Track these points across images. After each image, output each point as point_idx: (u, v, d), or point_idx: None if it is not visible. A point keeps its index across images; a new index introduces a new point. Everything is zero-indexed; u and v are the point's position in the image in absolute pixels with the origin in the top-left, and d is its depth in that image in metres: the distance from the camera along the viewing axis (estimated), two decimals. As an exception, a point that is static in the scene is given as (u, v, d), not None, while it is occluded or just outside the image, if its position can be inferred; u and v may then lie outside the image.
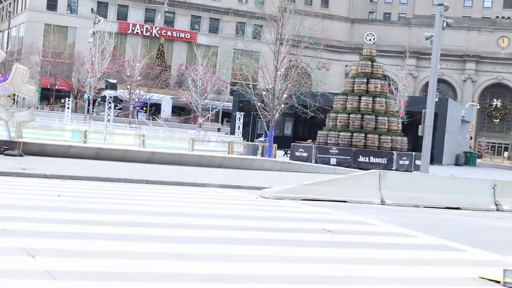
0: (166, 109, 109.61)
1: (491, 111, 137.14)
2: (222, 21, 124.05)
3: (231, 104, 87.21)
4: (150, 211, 15.11)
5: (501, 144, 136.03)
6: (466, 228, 17.96)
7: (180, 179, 24.88)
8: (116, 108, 73.21)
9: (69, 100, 75.64)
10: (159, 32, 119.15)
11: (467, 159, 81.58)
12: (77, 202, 15.60)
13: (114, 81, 52.90)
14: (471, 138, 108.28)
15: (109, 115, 52.02)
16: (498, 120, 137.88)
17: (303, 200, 21.35)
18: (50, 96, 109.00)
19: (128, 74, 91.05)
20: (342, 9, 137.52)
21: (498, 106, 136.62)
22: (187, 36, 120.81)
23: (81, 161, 30.19)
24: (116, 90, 52.44)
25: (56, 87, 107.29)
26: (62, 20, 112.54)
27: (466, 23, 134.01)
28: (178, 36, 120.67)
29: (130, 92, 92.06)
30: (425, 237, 14.70)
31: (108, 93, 51.00)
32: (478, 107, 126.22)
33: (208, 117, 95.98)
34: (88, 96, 72.08)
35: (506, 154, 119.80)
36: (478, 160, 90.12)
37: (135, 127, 64.24)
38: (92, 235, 11.05)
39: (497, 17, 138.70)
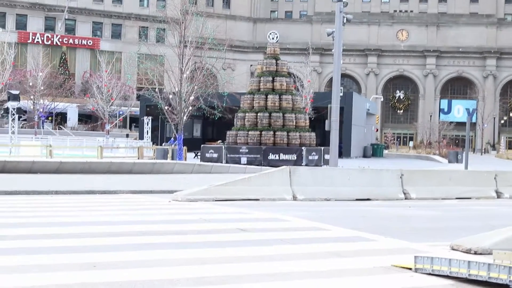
0: (72, 118, 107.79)
1: (395, 102, 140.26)
2: (124, 26, 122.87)
3: (139, 109, 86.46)
4: (59, 222, 14.81)
5: (406, 134, 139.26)
6: (376, 218, 18.27)
7: (90, 188, 24.51)
8: (21, 119, 71.56)
9: (-30, 114, 73.57)
10: (60, 40, 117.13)
11: (374, 151, 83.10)
12: (-16, 218, 15.16)
13: (17, 92, 51.61)
14: (377, 130, 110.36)
15: (13, 127, 50.76)
16: (402, 111, 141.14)
17: (216, 201, 21.32)
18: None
19: (31, 84, 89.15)
20: (244, 9, 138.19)
21: (401, 97, 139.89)
22: (90, 43, 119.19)
23: (-13, 175, 29.36)
24: (19, 101, 51.17)
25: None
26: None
27: (366, 18, 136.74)
28: (80, 43, 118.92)
29: (34, 102, 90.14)
30: (337, 229, 14.88)
31: (11, 104, 49.74)
32: (382, 99, 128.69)
33: (116, 123, 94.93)
34: (-10, 109, 70.23)
35: (411, 143, 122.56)
36: (385, 151, 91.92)
37: (41, 138, 62.90)
38: (2, 251, 10.74)
39: (395, 11, 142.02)
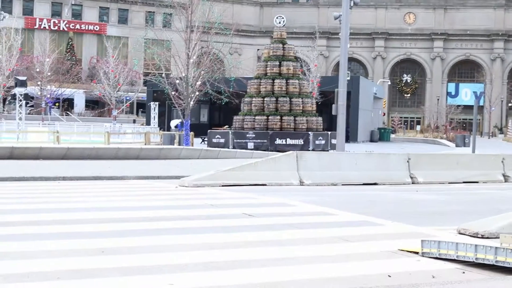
0: (79, 104, 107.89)
1: (402, 86, 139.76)
2: (131, 11, 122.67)
3: (145, 94, 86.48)
4: (67, 208, 14.88)
5: (413, 118, 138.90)
6: (384, 202, 18.29)
7: (97, 174, 24.58)
8: (28, 105, 71.63)
9: (-22, 101, 73.73)
10: (67, 25, 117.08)
11: (381, 135, 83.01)
12: (-8, 204, 15.24)
13: (24, 78, 51.67)
14: (384, 114, 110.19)
15: (20, 113, 50.88)
16: (409, 95, 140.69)
17: (223, 186, 21.36)
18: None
19: (38, 70, 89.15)
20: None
21: (408, 81, 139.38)
22: (96, 28, 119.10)
23: (-6, 161, 29.46)
24: (26, 87, 51.27)
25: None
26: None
27: (373, 1, 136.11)
28: (87, 28, 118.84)
29: (41, 88, 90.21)
30: (345, 214, 14.91)
31: (18, 90, 49.82)
32: (389, 83, 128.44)
33: (123, 109, 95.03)
34: (-2, 95, 70.36)
35: (418, 127, 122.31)
36: (392, 135, 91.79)
37: (48, 124, 62.99)
38: (11, 236, 10.81)
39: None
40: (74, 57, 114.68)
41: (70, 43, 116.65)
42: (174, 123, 59.79)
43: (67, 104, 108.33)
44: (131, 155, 35.04)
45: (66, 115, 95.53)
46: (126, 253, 9.65)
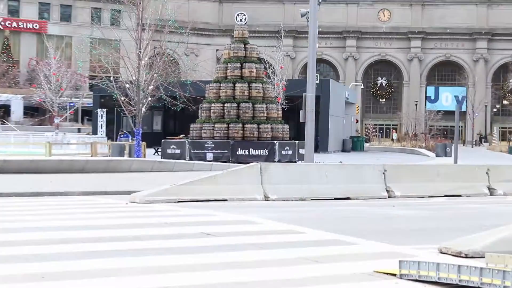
0: (17, 111, 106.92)
1: (376, 90, 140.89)
2: (74, 7, 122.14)
3: (91, 100, 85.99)
4: (3, 228, 14.68)
5: (389, 125, 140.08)
6: (357, 218, 18.33)
7: (37, 189, 24.35)
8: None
9: None
10: (2, 23, 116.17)
11: (354, 144, 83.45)
12: None
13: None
14: (357, 121, 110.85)
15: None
16: (384, 100, 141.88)
17: (179, 202, 21.28)
18: None
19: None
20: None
21: (383, 84, 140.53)
22: (36, 26, 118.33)
23: None
24: (-44, 92, 50.76)
25: None
26: None
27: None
28: (25, 27, 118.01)
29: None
30: (314, 232, 14.91)
31: None
32: (362, 87, 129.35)
33: (66, 116, 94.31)
34: None
35: (395, 136, 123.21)
36: (366, 145, 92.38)
37: (-18, 134, 62.39)
38: None
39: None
40: (10, 59, 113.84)
41: (6, 43, 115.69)
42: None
43: (2, 111, 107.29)
44: (75, 168, 34.80)
45: (1, 124, 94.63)
46: (69, 278, 9.54)
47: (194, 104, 52.23)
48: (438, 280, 9.61)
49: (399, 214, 19.52)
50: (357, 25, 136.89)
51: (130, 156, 46.76)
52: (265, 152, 48.64)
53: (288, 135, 52.08)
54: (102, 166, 36.24)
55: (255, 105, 50.35)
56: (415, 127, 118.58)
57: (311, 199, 23.39)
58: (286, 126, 52.09)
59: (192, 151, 48.80)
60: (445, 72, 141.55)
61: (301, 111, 39.36)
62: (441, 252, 12.18)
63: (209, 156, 48.10)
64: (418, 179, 26.38)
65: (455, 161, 44.06)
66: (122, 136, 58.64)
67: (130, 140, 53.15)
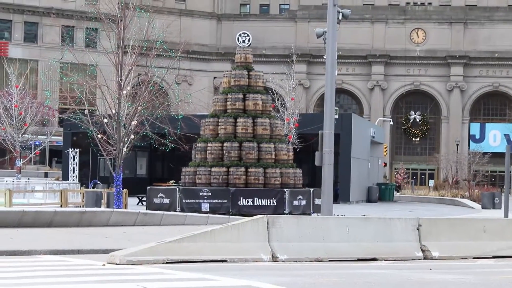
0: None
1: (409, 127, 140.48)
2: (41, 25, 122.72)
3: (62, 138, 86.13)
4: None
5: (424, 170, 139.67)
6: (386, 285, 18.28)
7: (-5, 247, 24.36)
8: None
9: None
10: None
11: (382, 193, 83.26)
12: None
13: None
14: (385, 164, 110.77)
15: None
16: (418, 139, 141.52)
17: (168, 263, 21.26)
18: None
19: None
20: (205, 3, 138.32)
21: (417, 120, 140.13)
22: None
23: None
24: None
25: None
26: None
27: (369, 13, 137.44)
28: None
29: None
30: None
31: None
32: (392, 123, 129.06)
33: (31, 158, 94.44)
34: None
35: (431, 183, 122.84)
36: (397, 194, 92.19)
37: None
38: None
39: (408, 3, 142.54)
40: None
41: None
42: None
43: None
44: (42, 221, 34.76)
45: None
46: None
47: (186, 143, 52.30)
48: None
49: (438, 280, 19.47)
50: (385, 47, 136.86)
51: (108, 206, 46.71)
52: (273, 203, 48.59)
53: (301, 182, 52.04)
54: (74, 218, 36.18)
55: (261, 145, 50.37)
56: (456, 172, 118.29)
57: (329, 260, 23.34)
58: (299, 170, 52.05)
59: (184, 200, 48.79)
60: (493, 105, 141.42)
61: (316, 153, 39.42)
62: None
63: (205, 206, 48.07)
64: (460, 236, 26.32)
65: (506, 215, 43.98)
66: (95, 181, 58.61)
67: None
